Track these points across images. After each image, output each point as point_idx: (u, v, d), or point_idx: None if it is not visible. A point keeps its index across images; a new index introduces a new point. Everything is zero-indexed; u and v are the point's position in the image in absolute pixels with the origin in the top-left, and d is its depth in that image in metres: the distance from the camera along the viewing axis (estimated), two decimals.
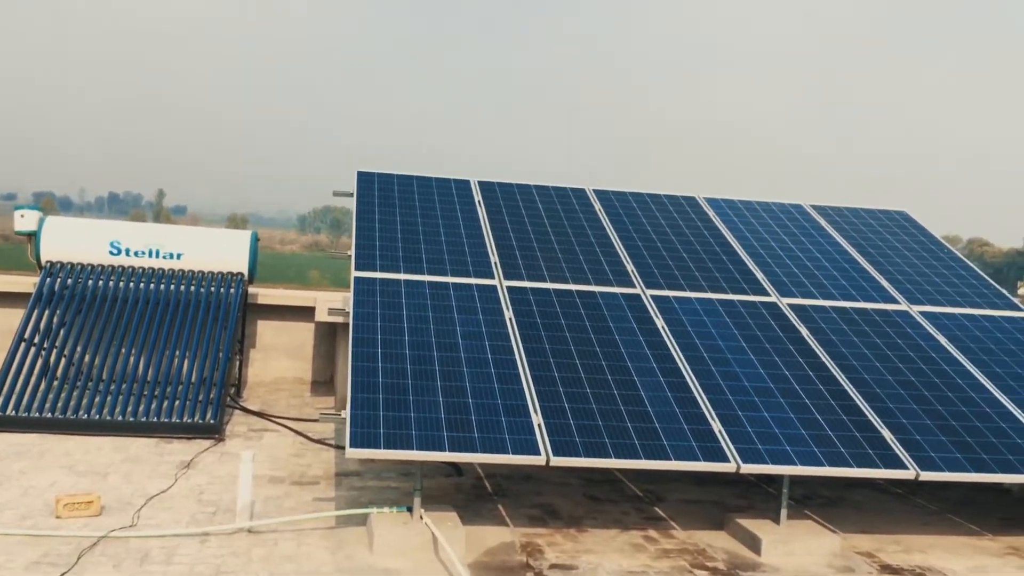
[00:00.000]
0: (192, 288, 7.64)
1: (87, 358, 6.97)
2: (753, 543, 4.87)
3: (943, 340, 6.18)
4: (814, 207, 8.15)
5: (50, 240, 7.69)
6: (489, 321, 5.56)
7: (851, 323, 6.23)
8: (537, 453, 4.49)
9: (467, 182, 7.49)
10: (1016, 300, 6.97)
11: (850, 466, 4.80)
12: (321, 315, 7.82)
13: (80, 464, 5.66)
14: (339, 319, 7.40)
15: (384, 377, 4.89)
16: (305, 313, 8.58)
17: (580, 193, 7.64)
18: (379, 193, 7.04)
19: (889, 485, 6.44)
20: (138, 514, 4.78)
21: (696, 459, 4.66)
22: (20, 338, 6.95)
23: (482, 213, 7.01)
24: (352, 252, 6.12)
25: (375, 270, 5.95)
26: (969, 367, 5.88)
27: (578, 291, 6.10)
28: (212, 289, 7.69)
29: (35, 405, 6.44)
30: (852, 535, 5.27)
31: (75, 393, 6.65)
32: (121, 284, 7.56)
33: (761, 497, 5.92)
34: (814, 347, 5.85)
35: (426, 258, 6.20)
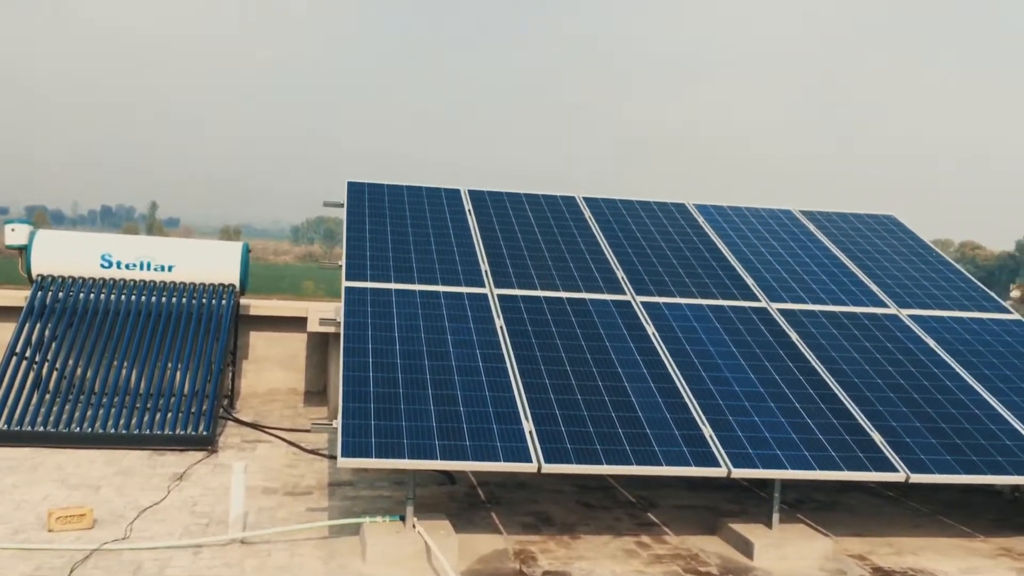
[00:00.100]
0: (184, 300, 7.65)
1: (79, 371, 6.97)
2: (746, 547, 4.89)
3: (932, 343, 6.22)
4: (803, 212, 8.19)
5: (41, 254, 7.69)
6: (480, 329, 5.58)
7: (840, 327, 6.27)
8: (529, 460, 4.51)
9: (457, 191, 7.52)
10: (1008, 303, 7.01)
11: (840, 469, 4.82)
12: (312, 325, 7.84)
13: (72, 477, 5.66)
14: (330, 329, 7.41)
15: (375, 386, 4.90)
16: (297, 324, 8.59)
17: (570, 201, 7.68)
18: (369, 203, 7.07)
19: (882, 488, 6.47)
20: (131, 527, 4.78)
21: (687, 464, 4.68)
22: (11, 352, 6.94)
23: (472, 222, 7.04)
24: (343, 262, 6.14)
25: (366, 280, 5.97)
26: (958, 369, 5.92)
27: (568, 298, 6.13)
28: (204, 301, 7.69)
29: (27, 419, 6.44)
30: (845, 538, 5.29)
31: (67, 407, 6.64)
32: (112, 297, 7.56)
33: (754, 502, 5.94)
34: (804, 352, 5.88)
35: (417, 267, 6.22)
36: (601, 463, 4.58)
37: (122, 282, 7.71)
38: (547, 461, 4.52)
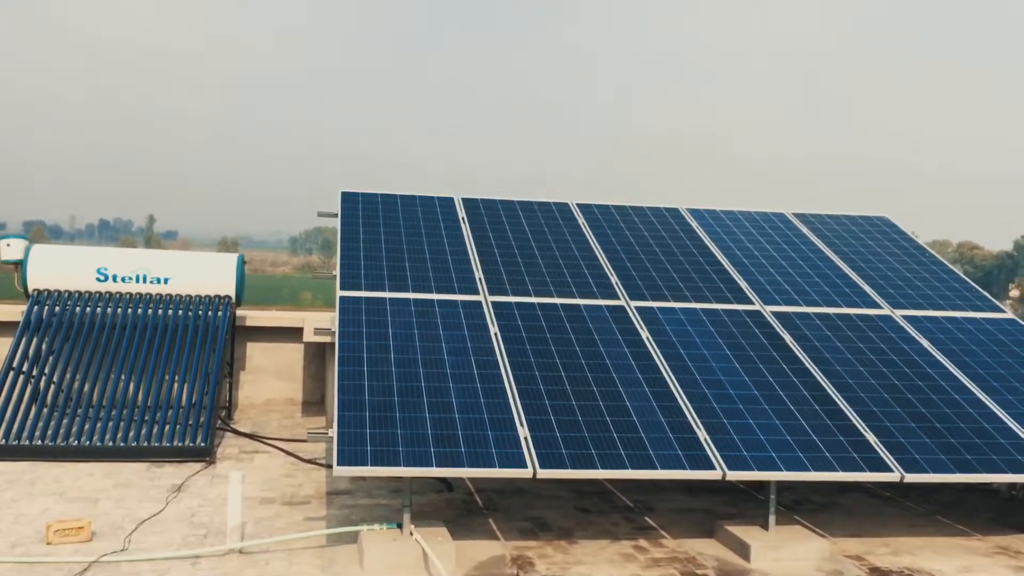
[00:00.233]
0: (180, 312, 7.67)
1: (76, 385, 6.98)
2: (743, 549, 4.91)
3: (926, 343, 6.24)
4: (796, 215, 8.23)
5: (37, 268, 7.72)
6: (474, 336, 5.60)
7: (834, 329, 6.30)
8: (524, 466, 4.53)
9: (451, 199, 7.55)
10: (1007, 302, 7.05)
11: (835, 470, 4.84)
12: (308, 335, 7.85)
13: (71, 490, 5.67)
14: (326, 339, 7.43)
15: (371, 395, 4.92)
16: (294, 334, 8.61)
17: (563, 207, 7.71)
18: (363, 212, 7.10)
19: (879, 489, 6.48)
20: (129, 538, 4.79)
21: (682, 467, 4.70)
22: (9, 367, 6.96)
23: (466, 230, 7.07)
24: (336, 272, 6.17)
25: (360, 289, 6.00)
26: (952, 369, 5.94)
27: (563, 304, 6.16)
28: (200, 313, 7.72)
29: (25, 433, 6.45)
30: (842, 539, 5.31)
31: (65, 420, 6.66)
32: (109, 310, 7.58)
33: (751, 504, 5.96)
34: (798, 354, 5.91)
35: (411, 276, 6.25)
36: (596, 467, 4.60)
37: (118, 295, 7.73)
38: (542, 466, 4.54)
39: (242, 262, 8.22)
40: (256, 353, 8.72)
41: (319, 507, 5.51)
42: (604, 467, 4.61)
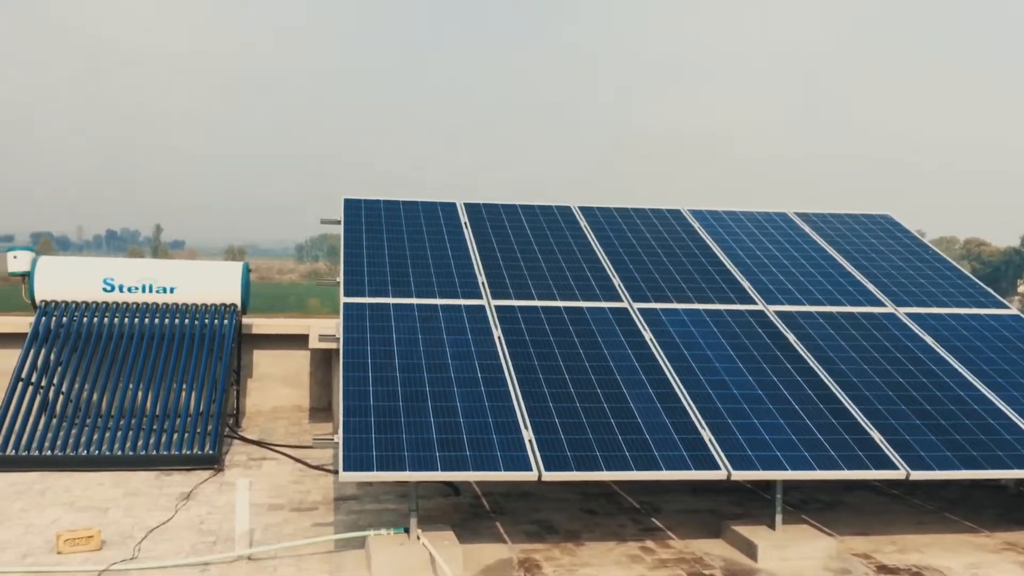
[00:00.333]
0: (186, 321, 7.72)
1: (85, 395, 7.03)
2: (749, 549, 4.91)
3: (930, 340, 6.25)
4: (798, 214, 8.24)
5: (44, 280, 7.77)
6: (478, 340, 5.63)
7: (838, 327, 6.30)
8: (529, 469, 4.55)
9: (453, 204, 7.59)
10: (1015, 299, 7.05)
11: (840, 468, 4.85)
12: (313, 342, 7.89)
13: (81, 500, 5.71)
14: (331, 345, 7.46)
15: (375, 400, 4.95)
16: (300, 341, 8.65)
17: (565, 210, 7.74)
18: (366, 219, 7.14)
19: (886, 487, 6.48)
20: (139, 547, 4.83)
21: (687, 468, 4.71)
22: (17, 378, 7.01)
23: (468, 234, 7.10)
24: (340, 279, 6.21)
25: (364, 295, 6.03)
26: (957, 366, 5.94)
27: (566, 307, 6.18)
28: (206, 321, 7.76)
29: (34, 443, 6.50)
30: (849, 537, 5.31)
31: (74, 430, 6.71)
32: (116, 320, 7.64)
33: (758, 504, 5.96)
34: (802, 353, 5.92)
35: (414, 281, 6.28)
36: (601, 469, 4.62)
37: (125, 305, 7.78)
38: (547, 469, 4.56)
39: (247, 270, 8.27)
40: (263, 360, 8.76)
41: (327, 513, 5.54)
42: (609, 469, 4.63)
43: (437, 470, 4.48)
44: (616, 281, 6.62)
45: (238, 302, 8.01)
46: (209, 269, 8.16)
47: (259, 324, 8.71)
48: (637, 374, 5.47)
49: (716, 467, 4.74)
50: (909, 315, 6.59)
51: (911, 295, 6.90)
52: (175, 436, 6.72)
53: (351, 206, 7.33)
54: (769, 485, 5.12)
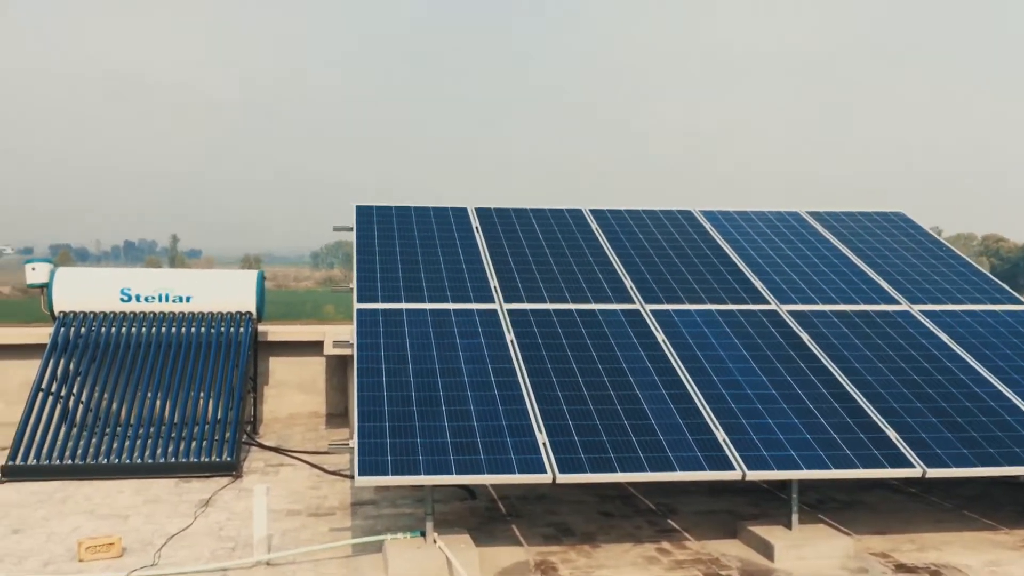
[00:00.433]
0: (203, 329, 7.79)
1: (104, 404, 7.11)
2: (766, 549, 4.91)
3: (945, 337, 6.22)
4: (810, 213, 8.22)
5: (62, 291, 7.86)
6: (491, 344, 5.66)
7: (852, 326, 6.29)
8: (543, 471, 4.57)
9: (464, 209, 7.62)
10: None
11: (856, 467, 4.84)
12: (328, 348, 7.94)
13: (101, 508, 5.78)
14: (345, 351, 7.51)
15: (390, 405, 4.99)
16: (315, 348, 8.70)
17: (576, 213, 7.76)
18: (378, 225, 7.18)
19: (903, 485, 6.45)
20: (159, 553, 4.88)
21: (701, 468, 4.72)
22: (38, 388, 7.10)
23: (480, 239, 7.14)
24: (354, 285, 6.25)
25: (377, 301, 6.07)
26: (972, 363, 5.91)
27: (578, 310, 6.20)
28: (222, 329, 7.83)
29: (55, 453, 6.58)
30: (866, 536, 5.30)
31: (94, 439, 6.78)
32: (133, 330, 7.71)
33: (774, 504, 5.95)
34: (816, 352, 5.91)
35: (427, 286, 6.32)
36: (615, 471, 4.63)
37: (142, 315, 7.86)
38: (561, 471, 4.58)
39: (262, 278, 8.33)
40: (279, 367, 8.82)
41: (344, 518, 5.57)
42: (623, 470, 4.64)
43: (452, 474, 4.51)
44: (628, 283, 6.64)
45: (253, 310, 8.07)
46: (224, 278, 8.23)
47: (275, 331, 8.77)
48: (650, 375, 5.48)
49: (731, 467, 4.75)
50: (924, 312, 6.56)
51: (925, 292, 6.88)
52: (193, 444, 6.79)
53: (363, 213, 7.37)
54: (785, 485, 5.12)
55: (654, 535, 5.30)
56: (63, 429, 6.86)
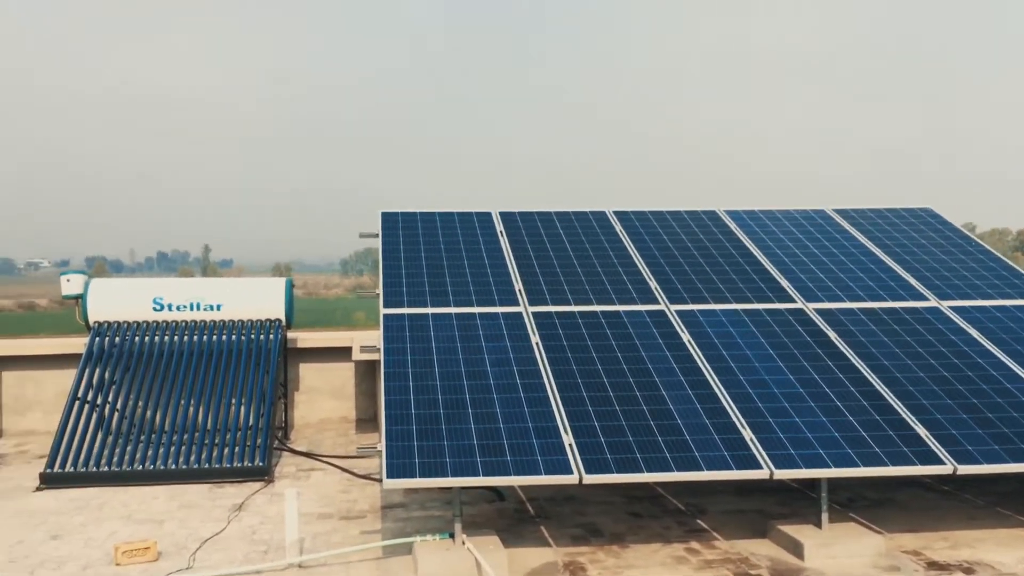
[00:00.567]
0: (233, 337, 7.90)
1: (139, 411, 7.24)
2: (796, 548, 4.89)
3: (975, 333, 6.15)
4: (837, 211, 8.17)
5: (96, 301, 8.02)
6: (516, 347, 5.69)
7: (880, 323, 6.24)
8: (569, 472, 4.59)
9: (488, 214, 7.67)
10: None
11: (885, 465, 4.81)
12: (355, 354, 8.01)
13: (138, 513, 5.88)
14: (373, 356, 7.59)
15: (417, 408, 5.04)
16: (344, 354, 8.79)
17: (600, 216, 7.78)
18: (403, 231, 7.25)
19: (936, 483, 6.39)
20: (193, 557, 4.97)
21: (728, 468, 4.72)
22: (74, 397, 7.25)
23: (504, 243, 7.18)
24: (380, 290, 6.32)
25: (403, 306, 6.14)
26: (1003, 358, 5.85)
27: (603, 311, 6.22)
28: (252, 336, 7.94)
29: (92, 460, 6.71)
30: (898, 534, 5.26)
31: (129, 447, 6.91)
32: (166, 338, 7.85)
33: (804, 503, 5.92)
34: (843, 350, 5.88)
35: (452, 291, 6.37)
36: (642, 471, 4.65)
37: (174, 324, 8.00)
38: (588, 472, 4.60)
39: (290, 286, 8.44)
40: (309, 374, 8.92)
41: (374, 521, 5.63)
42: (650, 470, 4.66)
43: (479, 475, 4.55)
44: (653, 284, 6.64)
45: (282, 317, 8.18)
46: (254, 286, 8.35)
47: (304, 338, 8.88)
48: (676, 376, 5.48)
49: (758, 466, 4.74)
50: (953, 308, 6.50)
51: (955, 288, 6.81)
52: (226, 449, 6.89)
53: (388, 219, 7.45)
54: (815, 484, 5.09)
55: (683, 535, 5.30)
56: (99, 437, 6.99)
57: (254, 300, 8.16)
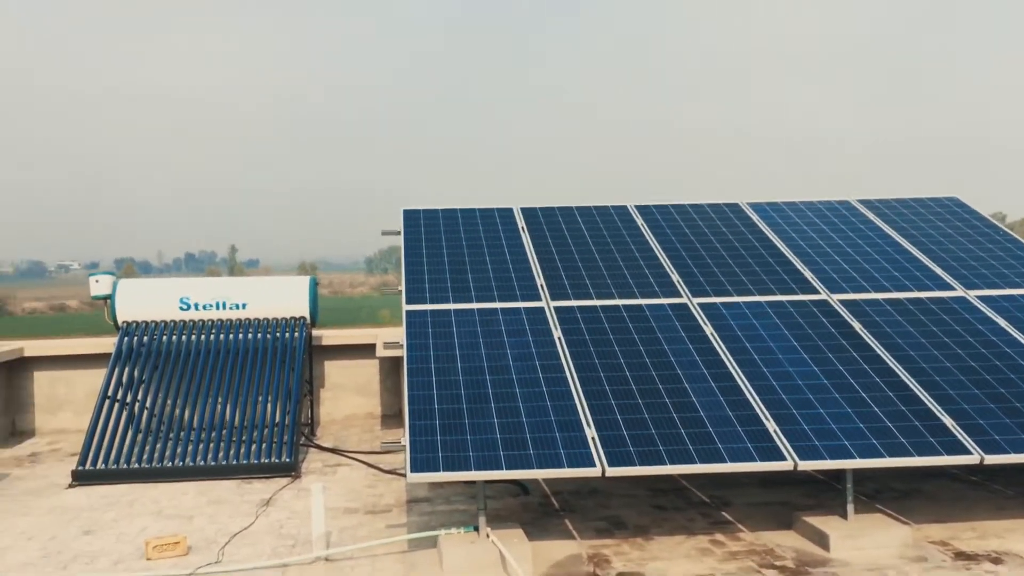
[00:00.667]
0: (259, 335, 7.99)
1: (167, 409, 7.34)
2: (821, 540, 4.88)
3: (1003, 322, 6.09)
4: (861, 201, 8.10)
5: (124, 302, 8.14)
6: (538, 342, 5.71)
7: (906, 313, 6.20)
8: (592, 465, 4.61)
9: (510, 210, 7.69)
10: None
11: (911, 455, 4.78)
12: (379, 350, 8.07)
13: (167, 509, 5.98)
14: (396, 353, 7.63)
15: (440, 403, 5.08)
16: (369, 350, 8.86)
17: (622, 210, 7.77)
18: (425, 228, 7.29)
19: (964, 473, 6.34)
20: (222, 551, 5.04)
21: (752, 460, 4.71)
22: (104, 395, 7.36)
23: (526, 238, 7.19)
24: (403, 287, 6.36)
25: (425, 302, 6.18)
26: None
27: (624, 305, 6.22)
28: (277, 334, 8.02)
29: (122, 458, 6.82)
30: (925, 525, 5.22)
31: (158, 444, 7.01)
32: (193, 337, 7.95)
33: (830, 495, 5.90)
34: (868, 341, 5.84)
35: (474, 286, 6.40)
36: (664, 463, 4.65)
37: (200, 323, 8.10)
38: (611, 464, 4.61)
39: (314, 284, 8.51)
40: (334, 371, 9.00)
41: (400, 515, 5.68)
42: (672, 462, 4.66)
43: (501, 469, 4.57)
44: (675, 277, 6.63)
45: (307, 315, 8.25)
46: (278, 284, 8.43)
47: (328, 335, 8.95)
48: (698, 368, 5.48)
49: (782, 458, 4.73)
50: (980, 298, 6.43)
51: (982, 277, 6.74)
52: (254, 446, 6.97)
53: (410, 216, 7.49)
54: (840, 475, 5.07)
55: (707, 527, 5.30)
56: (129, 434, 7.10)
57: (279, 298, 8.25)
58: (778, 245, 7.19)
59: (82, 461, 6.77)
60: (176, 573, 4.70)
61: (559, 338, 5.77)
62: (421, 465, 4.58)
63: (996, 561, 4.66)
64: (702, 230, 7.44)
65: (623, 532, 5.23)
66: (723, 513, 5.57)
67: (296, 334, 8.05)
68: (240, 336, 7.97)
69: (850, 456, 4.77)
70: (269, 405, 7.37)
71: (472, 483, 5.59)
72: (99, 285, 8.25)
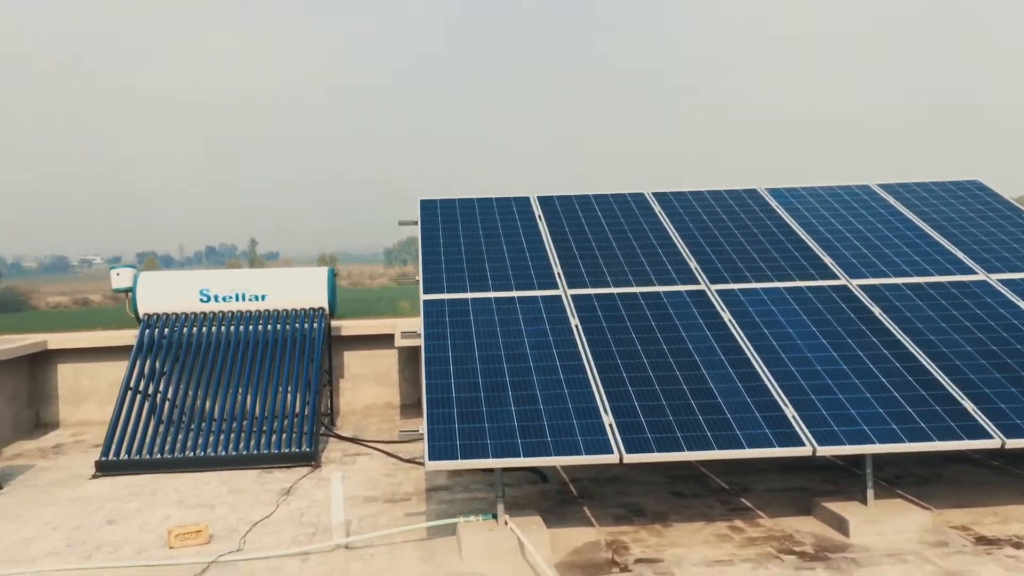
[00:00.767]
0: (278, 326, 8.04)
1: (189, 400, 7.41)
2: (841, 525, 4.86)
3: None
4: (881, 186, 8.03)
5: (145, 294, 8.21)
6: (556, 330, 5.71)
7: (926, 298, 6.14)
8: (610, 452, 4.61)
9: (526, 199, 7.68)
10: None
11: (931, 440, 4.75)
12: (397, 340, 8.10)
13: (189, 498, 6.04)
14: (415, 342, 7.66)
15: (457, 392, 5.09)
16: (387, 341, 8.90)
17: (639, 197, 7.74)
18: (442, 218, 7.30)
19: (986, 458, 6.29)
20: (244, 539, 5.09)
21: (770, 446, 4.69)
22: (127, 387, 7.44)
23: (543, 227, 7.19)
24: (420, 277, 6.38)
25: (442, 292, 6.19)
26: None
27: (642, 293, 6.20)
28: (297, 325, 8.07)
29: (145, 448, 6.90)
30: (946, 510, 5.19)
31: (180, 435, 7.08)
32: (213, 329, 8.01)
33: (850, 481, 5.87)
34: (888, 326, 5.79)
35: (491, 275, 6.41)
36: (682, 449, 4.65)
37: (220, 314, 8.16)
38: (628, 451, 4.61)
39: (333, 275, 8.55)
40: (353, 361, 9.05)
41: (419, 503, 5.72)
42: (690, 449, 4.65)
43: (519, 456, 4.59)
44: (692, 264, 6.61)
45: (326, 306, 8.30)
46: (297, 276, 8.48)
47: (347, 326, 8.99)
48: (716, 355, 5.46)
49: (800, 443, 4.71)
50: (1002, 281, 6.36)
51: (1004, 261, 6.66)
52: (274, 436, 7.03)
53: (427, 206, 7.50)
54: (860, 461, 5.05)
55: (726, 513, 5.29)
56: (152, 425, 7.18)
57: (298, 290, 8.29)
58: (797, 231, 7.15)
59: (105, 452, 6.86)
60: (198, 561, 4.76)
61: (576, 325, 5.77)
62: (439, 453, 4.60)
63: (1018, 546, 4.63)
64: (720, 216, 7.40)
65: (641, 519, 5.24)
66: (742, 499, 5.56)
67: (315, 325, 8.10)
68: (260, 327, 8.02)
69: (869, 441, 4.74)
70: (289, 396, 7.42)
71: (490, 471, 5.60)
72: (120, 278, 8.32)
